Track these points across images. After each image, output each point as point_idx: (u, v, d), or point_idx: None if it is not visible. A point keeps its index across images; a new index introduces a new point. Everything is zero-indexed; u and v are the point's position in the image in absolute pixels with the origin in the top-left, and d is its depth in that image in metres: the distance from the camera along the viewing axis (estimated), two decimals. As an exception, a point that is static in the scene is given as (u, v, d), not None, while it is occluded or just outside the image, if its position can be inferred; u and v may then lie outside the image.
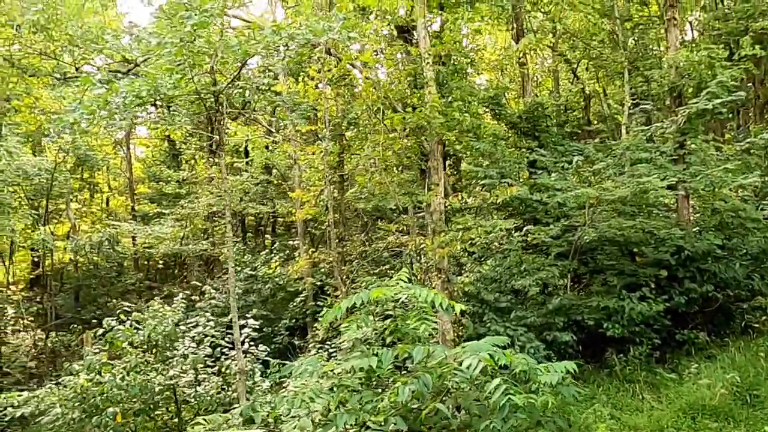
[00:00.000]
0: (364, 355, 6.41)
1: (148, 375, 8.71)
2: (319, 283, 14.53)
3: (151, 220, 23.57)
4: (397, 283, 6.84)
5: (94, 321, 20.95)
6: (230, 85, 8.25)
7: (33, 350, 19.53)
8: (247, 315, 10.08)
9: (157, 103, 9.00)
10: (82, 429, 8.63)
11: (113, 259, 22.18)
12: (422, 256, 10.98)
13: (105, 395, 8.32)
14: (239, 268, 16.68)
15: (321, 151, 13.91)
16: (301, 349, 14.65)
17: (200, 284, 16.44)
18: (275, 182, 20.72)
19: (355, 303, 6.66)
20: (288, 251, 18.90)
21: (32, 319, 22.19)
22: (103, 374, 8.64)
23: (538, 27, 19.40)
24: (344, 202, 13.64)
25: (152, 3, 15.71)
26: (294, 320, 15.86)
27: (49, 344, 20.57)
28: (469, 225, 9.22)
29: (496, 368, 5.55)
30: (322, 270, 14.73)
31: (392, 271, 14.57)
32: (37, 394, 9.08)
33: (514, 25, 17.26)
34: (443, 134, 9.26)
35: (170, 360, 8.97)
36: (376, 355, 6.19)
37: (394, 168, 11.58)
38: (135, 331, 9.03)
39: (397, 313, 7.14)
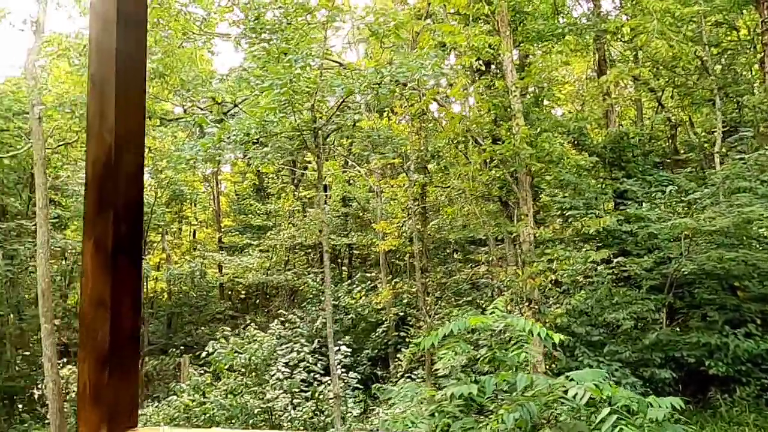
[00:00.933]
0: (463, 382, 6.47)
1: (245, 397, 9.12)
2: (401, 314, 14.69)
3: (237, 251, 24.72)
4: (493, 312, 6.90)
5: (183, 347, 22.12)
6: (328, 122, 8.73)
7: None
8: (338, 342, 10.38)
9: (261, 140, 9.64)
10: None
11: (202, 288, 23.35)
12: (509, 288, 10.92)
13: (208, 415, 8.77)
14: (322, 298, 17.13)
15: (404, 184, 14.25)
16: (383, 379, 14.76)
17: (285, 313, 16.98)
18: (355, 214, 21.27)
19: (452, 330, 6.77)
20: (368, 282, 19.25)
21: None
22: (206, 395, 9.13)
23: (619, 56, 19.14)
24: (427, 233, 13.83)
25: (241, 46, 16.91)
26: (376, 350, 16.03)
27: (142, 368, 21.79)
28: (561, 256, 9.13)
29: (604, 399, 5.45)
30: (405, 301, 14.89)
31: (472, 303, 14.55)
32: (145, 413, 9.70)
33: (596, 55, 17.15)
34: (532, 165, 9.32)
35: (266, 384, 9.35)
36: (476, 382, 6.23)
37: (480, 199, 11.69)
38: (236, 354, 9.50)
39: (492, 342, 7.17)
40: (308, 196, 20.73)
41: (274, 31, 8.07)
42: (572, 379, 5.77)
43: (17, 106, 17.79)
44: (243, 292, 27.51)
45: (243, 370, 9.41)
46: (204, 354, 9.83)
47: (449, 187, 13.08)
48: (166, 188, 22.87)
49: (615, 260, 12.03)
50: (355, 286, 18.01)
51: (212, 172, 27.33)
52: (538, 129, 9.89)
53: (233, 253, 25.05)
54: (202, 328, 24.09)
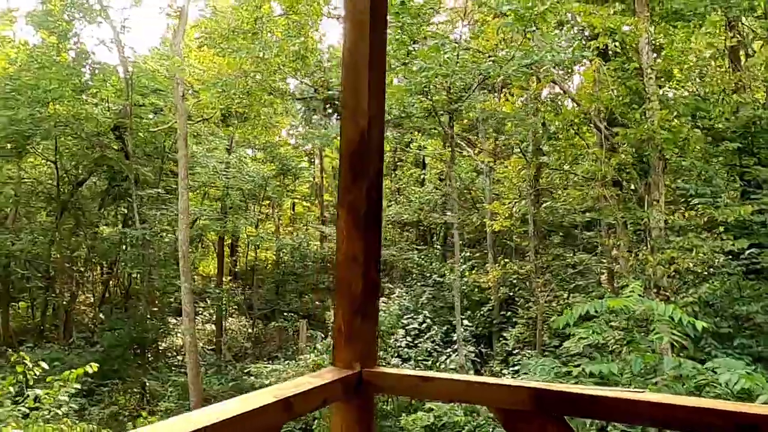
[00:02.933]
0: (599, 361, 6.66)
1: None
2: (511, 294, 14.86)
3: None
4: (630, 296, 6.99)
5: (288, 312, 23.53)
6: (462, 103, 9.00)
7: (246, 334, 22.34)
8: (446, 319, 10.79)
9: (399, 120, 10.07)
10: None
11: (304, 259, 24.56)
12: (627, 274, 10.78)
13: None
14: (426, 274, 17.61)
15: (517, 165, 14.30)
16: (488, 357, 15.06)
17: (390, 286, 17.61)
18: (459, 193, 21.45)
19: (588, 311, 6.94)
20: (473, 261, 19.49)
21: (236, 307, 25.42)
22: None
23: (750, 33, 17.82)
24: (540, 215, 13.85)
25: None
26: (480, 329, 16.33)
27: (254, 330, 23.49)
28: (692, 244, 8.94)
29: (759, 386, 5.46)
30: (513, 281, 15.03)
31: (578, 289, 14.41)
32: (278, 368, 10.62)
33: (728, 35, 16.12)
34: (667, 150, 9.12)
35: (391, 350, 9.93)
36: (613, 361, 6.41)
37: (600, 183, 11.54)
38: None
39: (627, 324, 7.27)
40: (414, 175, 21.14)
41: (414, 15, 8.40)
42: (720, 366, 5.80)
43: (153, 84, 19.47)
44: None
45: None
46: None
47: (565, 170, 12.98)
48: (275, 162, 24.15)
49: (747, 251, 11.51)
50: (461, 264, 18.31)
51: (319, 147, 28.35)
52: (674, 113, 9.62)
53: (333, 227, 26.06)
54: (307, 296, 25.46)
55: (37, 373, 6.70)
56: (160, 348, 22.01)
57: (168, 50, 19.34)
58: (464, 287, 17.17)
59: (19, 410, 6.79)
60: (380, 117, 2.60)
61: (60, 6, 18.05)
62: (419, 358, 9.67)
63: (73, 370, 6.88)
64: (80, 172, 22.57)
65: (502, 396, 2.18)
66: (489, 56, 8.49)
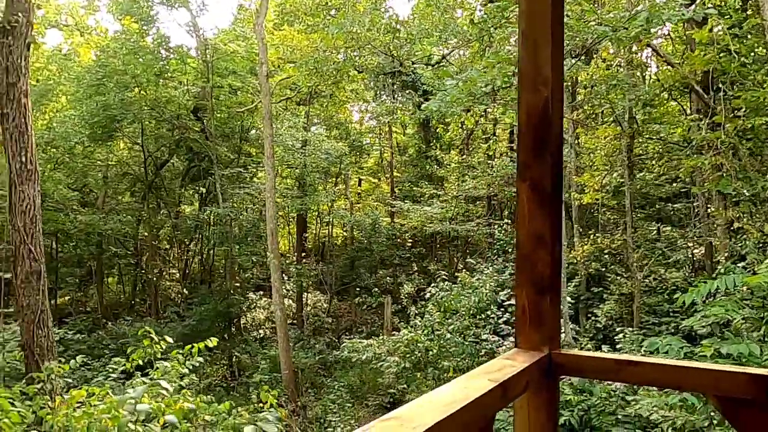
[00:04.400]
0: (733, 341, 6.27)
1: (470, 338, 9.68)
2: (602, 270, 14.35)
3: (410, 200, 25.66)
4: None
5: (360, 288, 23.81)
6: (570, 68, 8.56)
7: (324, 309, 22.82)
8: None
9: (499, 91, 9.80)
10: (413, 377, 9.98)
11: (376, 234, 24.68)
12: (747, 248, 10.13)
13: (443, 350, 9.48)
14: (508, 249, 17.27)
15: (607, 135, 13.64)
16: (575, 335, 14.67)
17: (472, 262, 17.37)
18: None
19: (718, 287, 6.54)
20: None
21: (311, 283, 25.96)
22: (434, 332, 9.85)
23: None
24: (636, 187, 13.21)
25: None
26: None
27: (330, 305, 23.96)
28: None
29: None
30: (605, 256, 14.50)
31: (669, 263, 13.72)
32: (371, 344, 10.74)
33: None
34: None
35: (488, 326, 9.83)
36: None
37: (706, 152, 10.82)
38: (461, 297, 10.07)
39: (757, 303, 6.80)
40: (483, 148, 20.68)
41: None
42: None
43: (232, 66, 19.82)
44: (410, 241, 28.64)
45: (463, 311, 9.99)
46: (428, 295, 10.58)
47: (662, 138, 12.28)
48: (348, 139, 24.24)
49: None
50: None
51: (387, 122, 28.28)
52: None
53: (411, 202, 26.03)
54: (380, 272, 25.67)
55: (163, 347, 7.03)
56: (242, 322, 22.83)
57: (245, 31, 19.61)
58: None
59: (147, 381, 7.19)
60: (561, 88, 2.43)
61: (142, -8, 18.62)
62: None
63: (194, 344, 7.18)
64: (162, 153, 23.45)
65: (722, 382, 2.03)
66: (594, 19, 8.00)
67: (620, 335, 10.89)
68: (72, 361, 7.46)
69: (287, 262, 25.18)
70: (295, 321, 21.28)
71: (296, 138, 19.31)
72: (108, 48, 19.52)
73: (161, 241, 26.02)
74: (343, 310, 24.44)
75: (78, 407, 6.91)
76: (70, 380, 8.46)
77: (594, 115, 15.34)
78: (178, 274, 26.59)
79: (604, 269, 13.90)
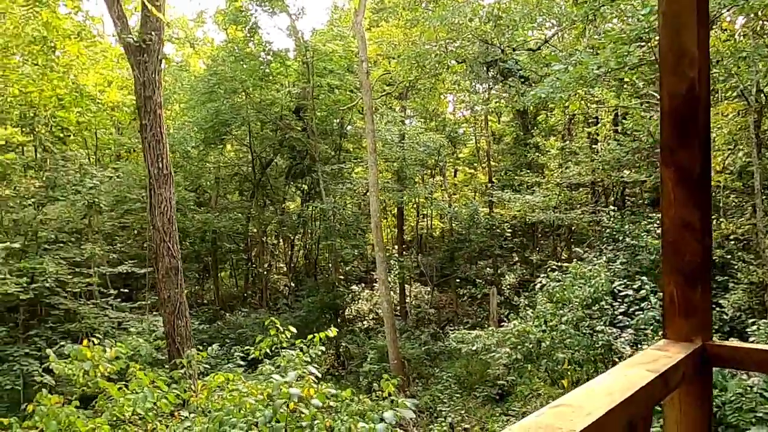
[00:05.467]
0: None
1: (585, 330, 9.41)
2: (726, 257, 13.36)
3: (509, 189, 25.16)
4: None
5: (460, 279, 23.73)
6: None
7: (426, 301, 23.05)
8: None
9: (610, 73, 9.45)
10: (524, 369, 9.88)
11: (482, 225, 24.46)
12: None
13: (556, 342, 9.31)
14: (618, 237, 16.52)
15: (730, 111, 12.64)
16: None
17: (579, 251, 16.78)
18: (647, 148, 19.71)
19: None
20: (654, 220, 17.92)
21: (411, 274, 26.24)
22: (548, 324, 9.68)
23: None
24: (763, 166, 12.15)
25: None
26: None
27: (432, 296, 24.14)
28: None
29: None
30: (729, 241, 13.47)
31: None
32: (480, 335, 10.75)
33: None
34: None
35: (605, 317, 9.50)
36: None
37: None
38: (573, 288, 9.82)
39: None
40: (597, 131, 19.82)
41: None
42: None
43: (330, 65, 20.46)
44: (509, 230, 28.12)
45: (576, 302, 9.73)
46: (538, 286, 10.42)
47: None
48: (444, 130, 24.21)
49: None
50: (652, 223, 16.91)
51: (483, 111, 27.88)
52: None
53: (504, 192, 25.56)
54: (480, 263, 25.47)
55: (288, 336, 7.50)
56: (347, 313, 23.58)
57: (341, 30, 20.15)
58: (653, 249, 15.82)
59: (275, 369, 7.73)
60: (707, 68, 2.34)
61: (245, 1, 19.64)
62: (641, 326, 9.10)
63: (316, 333, 7.58)
64: (267, 153, 24.68)
65: None
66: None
67: (753, 327, 10.10)
68: (209, 348, 8.13)
69: (387, 254, 25.66)
70: (398, 312, 21.66)
71: (394, 132, 19.58)
72: (217, 57, 20.82)
73: (269, 236, 27.44)
74: (444, 302, 24.53)
75: (216, 391, 7.55)
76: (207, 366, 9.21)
77: (713, 91, 14.26)
78: (285, 268, 27.94)
79: (729, 256, 12.92)
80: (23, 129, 17.32)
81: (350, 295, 23.11)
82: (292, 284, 26.02)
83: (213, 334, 19.15)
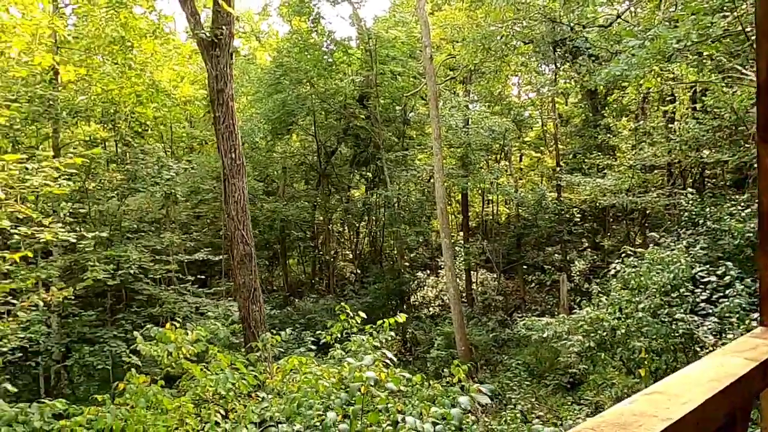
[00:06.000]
0: None
1: (663, 318, 9.03)
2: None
3: (577, 172, 24.35)
4: None
5: (527, 266, 23.27)
6: None
7: (492, 287, 22.80)
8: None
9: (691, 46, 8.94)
10: (597, 357, 9.61)
11: (549, 210, 23.86)
12: None
13: (632, 330, 9.00)
14: (698, 221, 15.67)
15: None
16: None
17: (656, 236, 16.05)
18: (729, 126, 18.52)
19: None
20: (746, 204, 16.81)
21: (476, 261, 25.96)
22: (623, 311, 9.36)
23: None
24: None
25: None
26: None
27: (498, 283, 23.83)
28: None
29: None
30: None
31: None
32: (551, 322, 10.54)
33: None
34: None
35: (685, 305, 9.08)
36: None
37: None
38: (651, 273, 9.43)
39: None
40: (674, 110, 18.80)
41: None
42: None
43: (393, 52, 20.43)
44: (579, 215, 27.24)
45: (654, 289, 9.33)
46: (612, 272, 10.08)
47: None
48: (510, 114, 23.66)
49: None
50: (736, 206, 15.91)
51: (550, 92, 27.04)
52: None
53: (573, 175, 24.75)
54: (548, 249, 24.90)
55: (358, 321, 7.65)
56: (412, 300, 23.70)
57: (404, 16, 20.05)
58: (751, 235, 14.88)
59: (345, 353, 7.94)
60: None
61: (309, -7, 19.91)
62: (726, 314, 8.62)
63: (384, 319, 7.68)
64: (332, 142, 25.02)
65: None
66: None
67: None
68: (282, 332, 8.40)
69: (452, 241, 25.50)
70: (464, 299, 21.53)
71: (458, 117, 19.35)
72: (282, 49, 21.22)
73: (334, 224, 27.89)
74: (511, 288, 24.16)
75: (289, 374, 7.81)
76: (280, 349, 9.54)
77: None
78: (350, 255, 28.36)
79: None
80: (105, 125, 18.38)
81: (415, 282, 23.20)
82: (358, 271, 26.39)
83: (283, 319, 19.74)
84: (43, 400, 6.19)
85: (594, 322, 9.83)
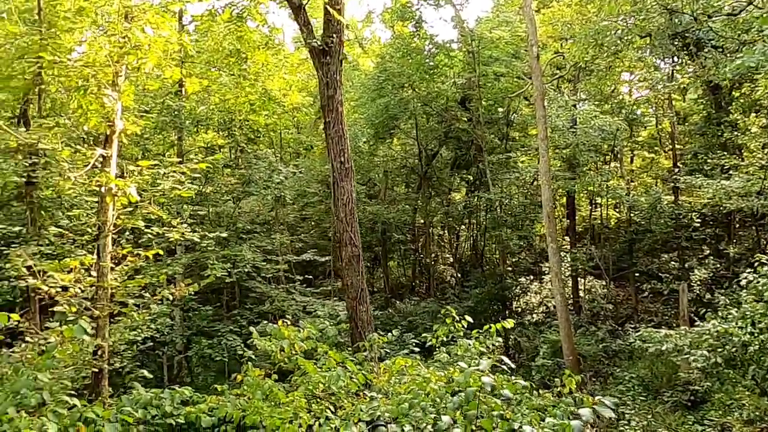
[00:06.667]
0: None
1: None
2: None
3: (704, 173, 22.46)
4: None
5: (639, 273, 21.82)
6: None
7: (601, 295, 21.70)
8: None
9: None
10: (725, 374, 8.80)
11: (665, 214, 22.28)
12: None
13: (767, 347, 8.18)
14: None
15: None
16: None
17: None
18: None
19: None
20: None
21: (583, 268, 24.74)
22: (756, 325, 8.52)
23: None
24: None
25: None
26: None
27: (608, 291, 22.58)
28: None
29: None
30: None
31: None
32: (670, 334, 9.80)
33: None
34: None
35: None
36: None
37: None
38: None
39: None
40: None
41: None
42: None
43: (496, 53, 20.09)
44: (698, 220, 25.14)
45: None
46: (743, 282, 9.19)
47: None
48: (621, 113, 22.38)
49: None
50: None
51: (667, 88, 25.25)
52: None
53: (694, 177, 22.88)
54: (663, 256, 23.23)
55: (465, 325, 7.58)
56: (514, 306, 23.07)
57: (507, 15, 19.66)
58: None
59: (447, 353, 7.92)
60: None
61: (412, -2, 20.09)
62: None
63: (491, 324, 7.55)
64: (433, 145, 25.02)
65: None
66: None
67: None
68: (389, 333, 8.50)
69: (558, 245, 24.49)
70: (571, 307, 20.65)
71: (564, 117, 18.62)
72: (384, 54, 21.56)
73: (435, 227, 27.86)
74: (622, 297, 22.83)
75: (397, 375, 7.87)
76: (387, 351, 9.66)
77: None
78: (450, 258, 28.17)
79: None
80: (221, 132, 19.64)
81: (518, 287, 22.56)
82: (458, 275, 26.13)
83: (384, 320, 19.98)
84: (172, 387, 6.71)
85: (721, 336, 9.01)
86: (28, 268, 8.21)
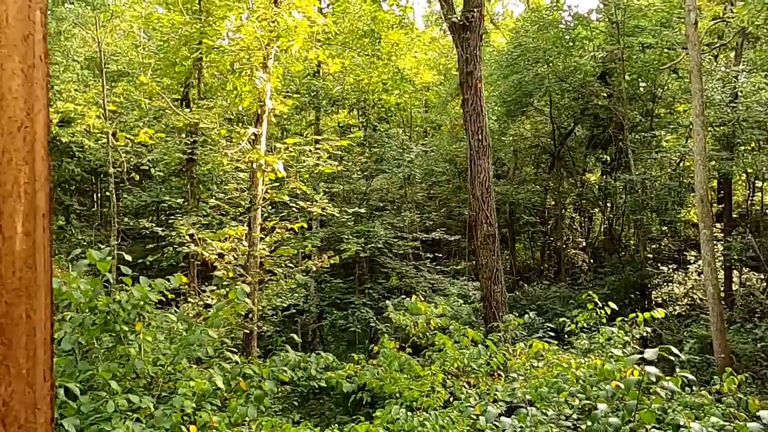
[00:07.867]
0: None
1: None
2: None
3: None
4: None
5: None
6: None
7: (760, 289, 19.54)
8: None
9: None
10: None
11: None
12: None
13: None
14: None
15: None
16: None
17: None
18: None
19: None
20: None
21: (739, 258, 22.26)
22: None
23: None
24: None
25: None
26: None
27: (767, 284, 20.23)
28: None
29: None
30: None
31: None
32: None
33: None
34: None
35: None
36: None
37: None
38: None
39: None
40: None
41: None
42: None
43: (644, 22, 18.48)
44: None
45: None
46: None
47: None
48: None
49: None
50: None
51: None
52: None
53: None
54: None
55: (608, 312, 7.19)
56: (654, 296, 21.45)
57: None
58: None
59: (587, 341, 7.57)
60: None
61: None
62: None
63: (639, 314, 7.07)
64: (568, 123, 23.76)
65: None
66: None
67: None
68: (525, 315, 8.31)
69: (710, 233, 22.24)
70: (723, 300, 18.79)
71: (723, 90, 16.71)
72: (519, 29, 20.76)
73: (567, 209, 26.64)
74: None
75: (532, 358, 7.69)
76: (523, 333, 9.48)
77: None
78: (583, 243, 26.83)
79: None
80: (352, 112, 20.17)
81: (660, 276, 20.91)
82: (591, 260, 24.80)
83: (511, 303, 19.43)
84: (318, 352, 7.11)
85: None
86: (191, 236, 9.09)
